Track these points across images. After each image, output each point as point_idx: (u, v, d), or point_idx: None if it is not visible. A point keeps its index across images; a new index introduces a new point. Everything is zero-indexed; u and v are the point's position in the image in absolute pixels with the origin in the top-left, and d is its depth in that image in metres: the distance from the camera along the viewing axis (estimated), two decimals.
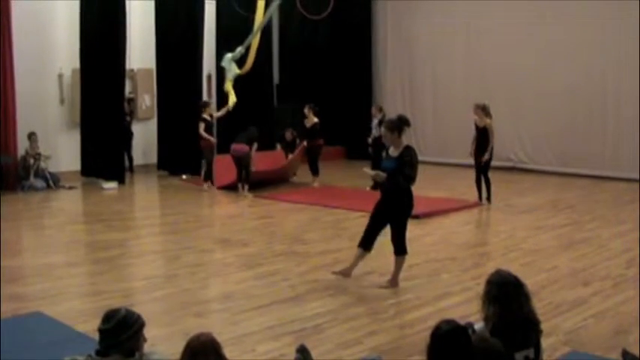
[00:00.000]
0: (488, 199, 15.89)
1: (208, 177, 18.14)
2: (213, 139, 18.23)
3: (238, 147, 17.37)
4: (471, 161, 16.13)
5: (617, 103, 19.32)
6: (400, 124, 9.56)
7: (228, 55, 18.13)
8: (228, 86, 18.18)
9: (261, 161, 18.20)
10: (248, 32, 17.96)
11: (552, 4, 20.02)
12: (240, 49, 17.91)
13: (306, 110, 18.71)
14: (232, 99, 18.14)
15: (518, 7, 20.67)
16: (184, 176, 19.71)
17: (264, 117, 20.09)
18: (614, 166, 19.25)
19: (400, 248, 9.76)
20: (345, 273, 9.92)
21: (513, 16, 20.84)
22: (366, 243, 9.79)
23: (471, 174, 16.13)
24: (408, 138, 9.92)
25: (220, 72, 22.11)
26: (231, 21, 20.77)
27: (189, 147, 19.40)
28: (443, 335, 4.59)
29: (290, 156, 19.26)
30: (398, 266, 9.85)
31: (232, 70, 18.14)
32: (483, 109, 15.75)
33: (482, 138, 15.68)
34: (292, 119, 19.39)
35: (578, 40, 19.68)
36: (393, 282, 9.82)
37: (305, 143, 18.65)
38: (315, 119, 18.55)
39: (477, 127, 15.79)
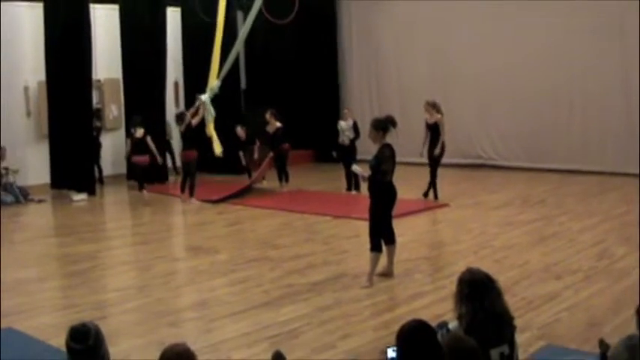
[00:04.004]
0: (435, 195, 16.08)
1: (185, 189, 17.50)
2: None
3: (185, 153, 17.33)
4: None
5: (584, 97, 19.43)
6: (386, 124, 9.94)
7: (205, 97, 17.15)
8: (211, 130, 17.34)
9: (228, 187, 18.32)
10: (213, 38, 17.79)
11: (518, 5, 20.10)
12: (217, 84, 17.33)
13: (267, 116, 18.62)
14: (218, 148, 17.50)
15: (483, 6, 20.72)
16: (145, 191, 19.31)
17: (232, 122, 20.01)
18: (582, 159, 19.37)
19: (389, 238, 10.06)
20: (386, 274, 10.20)
21: (478, 15, 20.89)
22: (377, 245, 9.96)
23: (440, 173, 16.16)
24: None
25: (187, 79, 22.18)
26: (197, 27, 20.73)
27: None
28: (406, 333, 4.61)
29: (254, 173, 19.13)
30: (389, 255, 10.16)
31: (210, 112, 17.20)
32: (434, 106, 15.95)
33: (434, 134, 15.84)
34: (260, 124, 19.25)
35: (544, 37, 19.75)
36: (388, 271, 10.17)
37: (271, 154, 18.53)
38: (278, 124, 18.48)
39: (428, 125, 15.97)
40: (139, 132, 17.64)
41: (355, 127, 17.69)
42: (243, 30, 17.49)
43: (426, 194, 16.09)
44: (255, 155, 19.60)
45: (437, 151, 15.82)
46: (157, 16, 20.54)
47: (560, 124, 19.87)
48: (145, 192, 17.76)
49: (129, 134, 18.51)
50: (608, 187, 17.23)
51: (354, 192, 17.44)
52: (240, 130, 19.71)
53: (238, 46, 17.90)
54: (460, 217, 14.79)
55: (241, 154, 19.75)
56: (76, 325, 4.60)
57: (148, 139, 17.70)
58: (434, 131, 15.91)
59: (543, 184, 18.01)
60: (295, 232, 13.78)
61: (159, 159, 18.14)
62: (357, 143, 17.61)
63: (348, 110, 18.80)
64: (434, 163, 16.02)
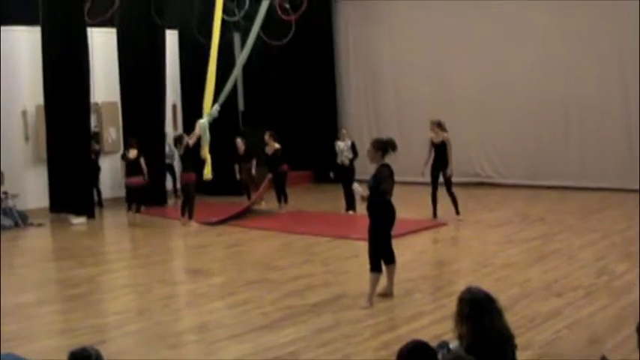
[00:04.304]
0: (458, 213, 15.99)
1: (185, 212, 17.49)
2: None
3: (184, 176, 17.53)
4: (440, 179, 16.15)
5: (582, 113, 19.48)
6: (387, 146, 9.93)
7: (204, 121, 16.73)
8: (206, 153, 17.40)
9: (227, 209, 18.31)
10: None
11: (515, 22, 20.23)
12: (216, 108, 17.27)
13: (266, 137, 18.68)
14: (209, 172, 17.55)
15: (480, 26, 20.82)
16: (142, 207, 19.13)
17: (230, 144, 20.03)
18: (582, 176, 19.39)
19: (388, 258, 10.03)
20: (386, 294, 10.16)
21: (475, 35, 20.98)
22: (376, 265, 9.92)
23: (441, 192, 16.12)
24: None
25: (185, 101, 22.20)
26: (195, 50, 20.77)
27: (155, 179, 19.39)
28: (406, 354, 4.61)
29: (254, 195, 19.25)
30: (389, 275, 10.13)
31: (207, 136, 17.34)
32: (439, 125, 15.95)
33: (441, 153, 15.84)
34: (258, 145, 19.28)
35: (541, 55, 19.84)
36: (388, 292, 10.14)
37: (270, 175, 18.58)
38: (277, 145, 18.53)
39: (433, 144, 15.97)
40: (132, 153, 17.99)
41: (353, 148, 17.71)
42: (242, 56, 17.47)
43: (457, 212, 16.07)
44: (253, 171, 19.72)
45: (449, 170, 15.84)
46: (156, 39, 20.56)
47: (558, 141, 19.91)
48: (131, 212, 18.16)
49: (123, 156, 18.78)
50: (608, 203, 17.24)
51: (350, 212, 17.47)
52: (239, 142, 19.78)
53: (237, 72, 17.88)
54: (460, 236, 14.79)
55: (237, 167, 19.81)
56: (75, 349, 4.58)
57: (141, 160, 18.01)
58: (440, 150, 15.90)
59: (543, 202, 18.02)
60: (294, 253, 13.75)
61: (145, 180, 18.24)
62: (355, 163, 17.63)
63: (346, 131, 18.78)
64: (446, 181, 15.98)
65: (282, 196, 18.62)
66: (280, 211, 18.46)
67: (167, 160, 21.27)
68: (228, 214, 17.66)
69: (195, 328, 9.30)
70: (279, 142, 18.61)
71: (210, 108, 17.03)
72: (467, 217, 16.10)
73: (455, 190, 16.07)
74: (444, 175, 15.92)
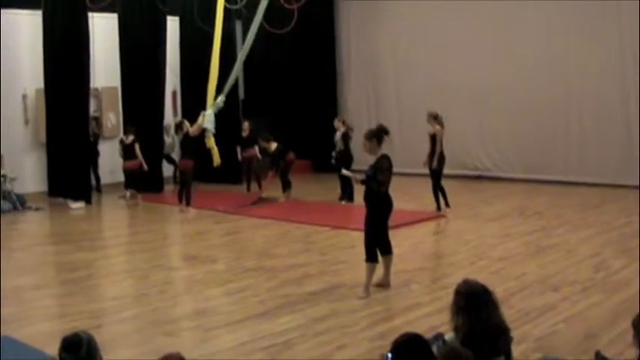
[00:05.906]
0: (447, 205, 15.91)
1: (183, 198, 17.57)
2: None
3: (182, 162, 17.76)
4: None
5: (582, 108, 19.43)
6: (379, 133, 9.86)
7: (210, 112, 17.12)
8: (212, 143, 17.41)
9: (229, 200, 18.38)
10: (211, 47, 17.71)
11: (515, 17, 20.19)
12: (221, 98, 17.23)
13: (263, 144, 18.87)
14: (217, 159, 17.68)
15: (480, 21, 20.77)
16: (134, 192, 19.17)
17: (230, 132, 20.01)
18: (581, 171, 19.37)
19: (385, 248, 10.03)
20: (382, 284, 10.16)
21: (476, 28, 20.93)
22: (372, 255, 9.91)
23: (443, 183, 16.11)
24: None
25: (185, 88, 22.19)
26: (195, 37, 20.76)
27: (154, 164, 19.40)
28: (399, 346, 4.62)
29: (257, 190, 19.56)
30: (386, 266, 10.14)
31: (213, 127, 17.25)
32: (435, 118, 15.83)
33: (434, 146, 15.77)
34: (258, 133, 19.32)
35: (540, 50, 19.78)
36: (385, 282, 10.14)
37: (272, 172, 18.71)
38: (275, 144, 18.49)
39: (430, 136, 15.90)
40: (129, 139, 18.72)
41: (344, 138, 17.67)
42: (245, 46, 17.41)
43: (447, 205, 15.94)
44: (258, 155, 20.09)
45: (434, 163, 15.76)
46: (157, 25, 20.51)
47: (558, 136, 19.87)
48: (127, 196, 18.77)
49: (121, 141, 19.23)
50: (607, 199, 17.20)
51: (343, 202, 17.47)
52: (246, 125, 19.85)
53: (240, 63, 17.84)
54: (457, 229, 14.77)
55: (239, 149, 19.96)
56: (68, 335, 4.58)
57: (136, 145, 18.66)
58: (433, 142, 15.84)
59: (541, 196, 17.99)
60: (292, 242, 13.75)
61: (144, 166, 18.85)
62: (357, 154, 17.52)
63: (339, 121, 18.57)
64: (432, 174, 15.96)
65: (286, 185, 18.61)
66: (279, 200, 18.44)
67: (166, 150, 21.21)
68: (230, 202, 17.68)
69: (192, 315, 9.32)
70: (275, 139, 18.56)
71: (214, 99, 17.05)
72: (465, 210, 16.09)
73: (453, 183, 16.07)
74: (431, 169, 15.89)
